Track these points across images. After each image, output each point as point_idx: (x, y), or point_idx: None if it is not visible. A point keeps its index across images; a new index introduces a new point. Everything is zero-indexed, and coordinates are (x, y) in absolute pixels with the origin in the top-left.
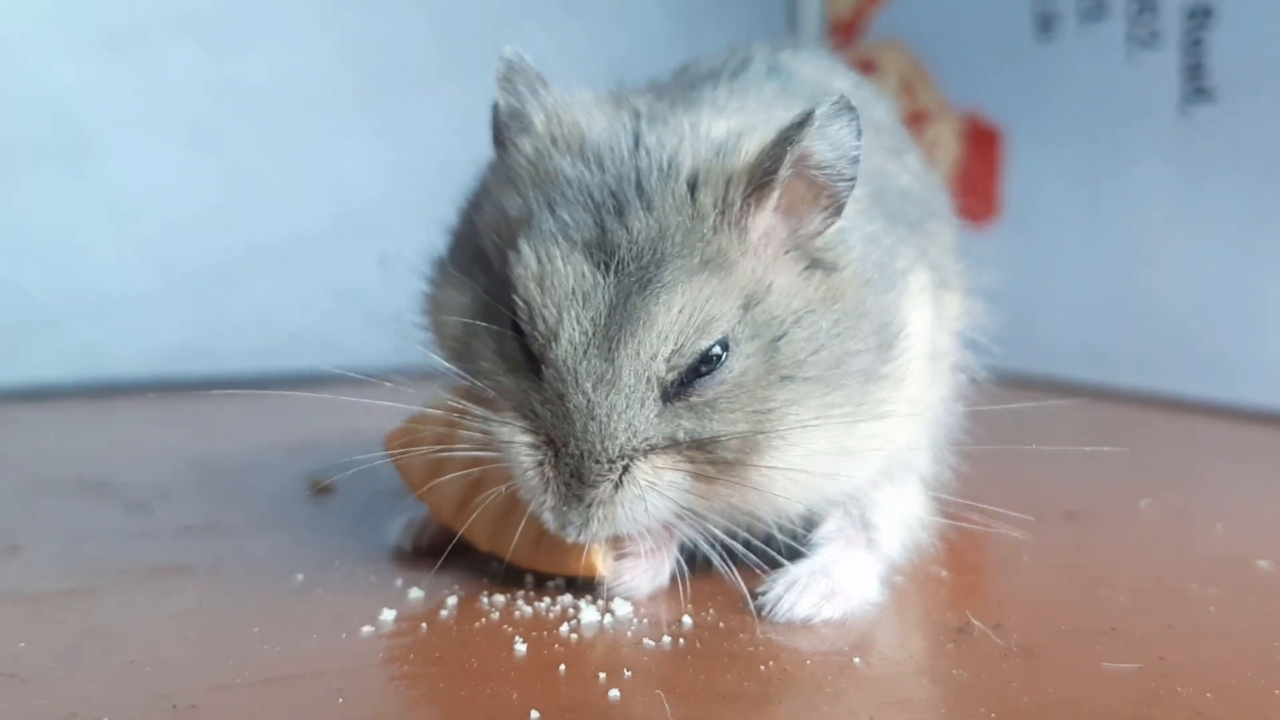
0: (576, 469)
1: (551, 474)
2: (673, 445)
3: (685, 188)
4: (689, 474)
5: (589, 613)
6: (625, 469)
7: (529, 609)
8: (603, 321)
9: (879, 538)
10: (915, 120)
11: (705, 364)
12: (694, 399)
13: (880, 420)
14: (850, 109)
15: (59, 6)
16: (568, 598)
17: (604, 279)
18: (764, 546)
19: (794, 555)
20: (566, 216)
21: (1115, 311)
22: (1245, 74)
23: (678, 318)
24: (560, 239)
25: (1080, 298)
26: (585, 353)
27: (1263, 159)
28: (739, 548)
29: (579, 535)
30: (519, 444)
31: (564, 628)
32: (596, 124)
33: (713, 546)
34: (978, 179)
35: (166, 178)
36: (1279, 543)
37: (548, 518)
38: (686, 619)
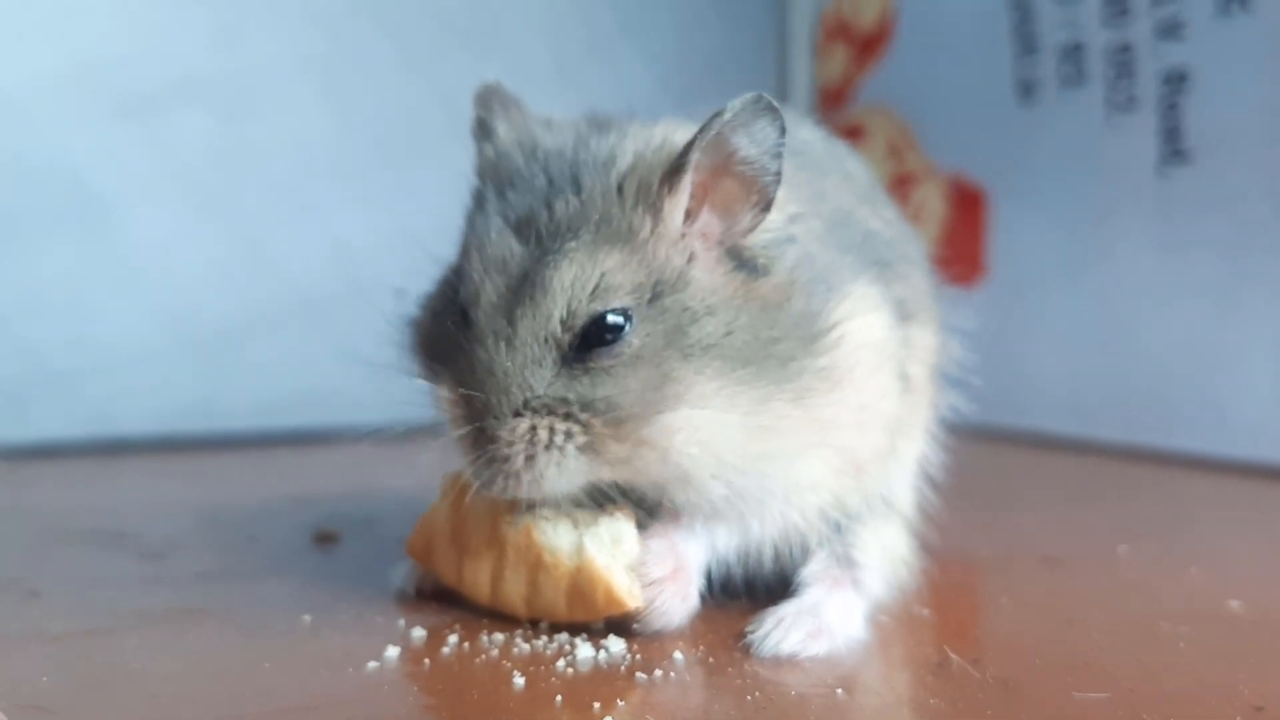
0: (479, 422)
1: (467, 429)
2: (564, 405)
3: (615, 179)
4: (585, 440)
5: (584, 649)
6: (522, 427)
7: (527, 646)
8: (513, 286)
9: (863, 576)
10: (902, 183)
11: (607, 333)
12: (590, 365)
13: (803, 406)
14: (772, 108)
15: (72, 76)
16: (564, 635)
17: (523, 250)
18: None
19: (782, 595)
20: (510, 199)
21: (1098, 367)
22: (1220, 136)
23: (570, 283)
24: (498, 217)
25: (1064, 354)
26: (493, 314)
27: (1238, 217)
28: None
29: (488, 490)
30: (445, 400)
31: (560, 663)
32: (553, 132)
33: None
34: (963, 239)
35: (175, 240)
36: (1251, 585)
37: (469, 473)
38: (678, 655)
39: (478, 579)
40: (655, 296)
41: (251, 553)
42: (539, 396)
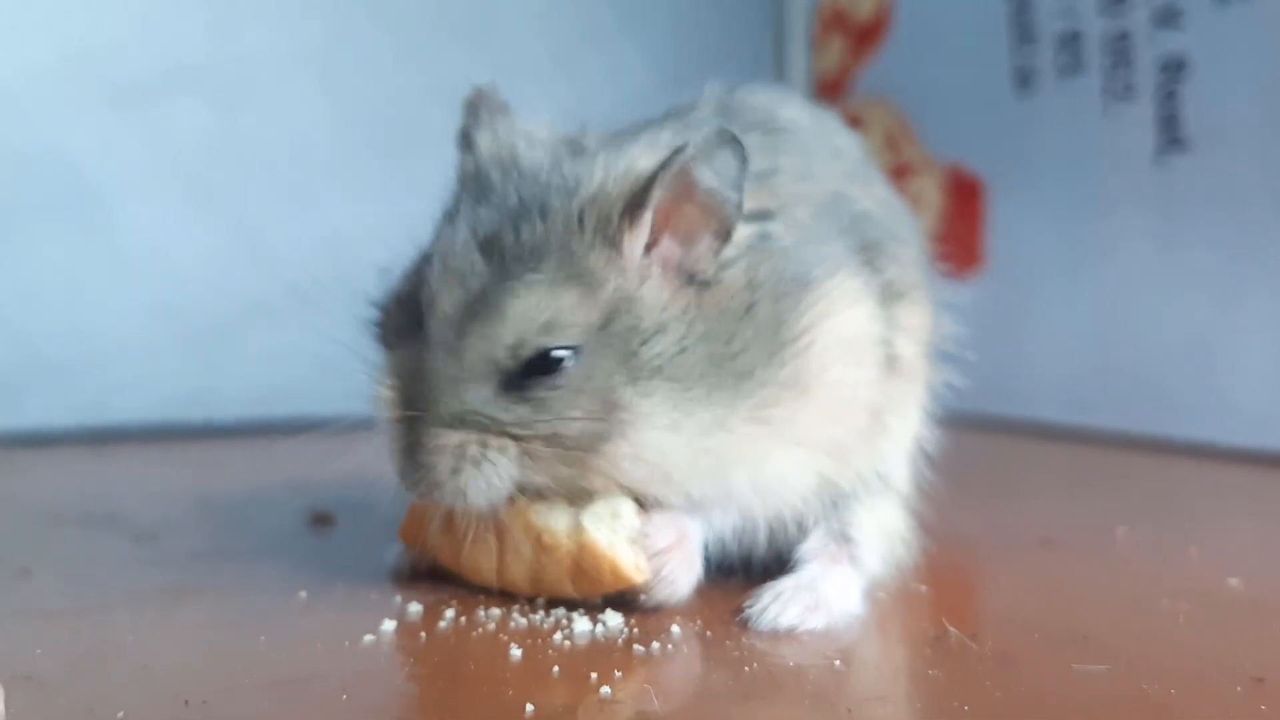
0: (411, 424)
1: (399, 429)
2: (498, 425)
3: (577, 208)
4: (523, 455)
5: (581, 623)
6: (453, 439)
7: (524, 620)
8: (469, 302)
9: (860, 553)
10: (899, 174)
11: (551, 365)
12: (530, 395)
13: (763, 420)
14: (734, 140)
15: (67, 65)
16: (561, 610)
17: (485, 268)
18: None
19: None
20: (481, 214)
21: (1096, 356)
22: (1218, 124)
23: (525, 314)
24: (467, 229)
25: (1062, 343)
26: (445, 326)
27: (1236, 206)
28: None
29: (411, 490)
30: (382, 399)
31: (557, 636)
32: (532, 150)
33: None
34: (961, 230)
35: (170, 231)
36: (1250, 564)
37: (395, 470)
38: (675, 628)
39: (479, 564)
40: (605, 324)
41: (245, 535)
42: (473, 412)
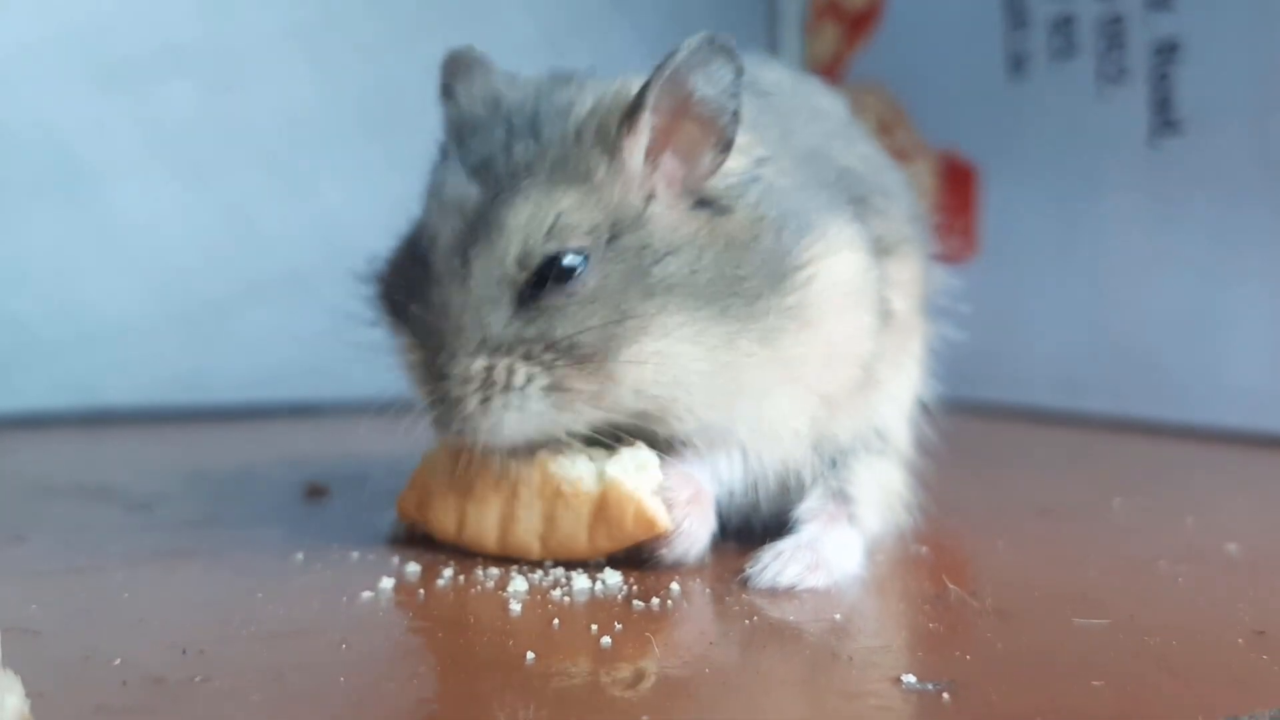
0: (435, 365)
1: (423, 373)
2: (522, 344)
3: (573, 124)
4: (549, 380)
5: (580, 581)
6: (477, 365)
7: (522, 579)
8: (469, 226)
9: (859, 511)
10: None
11: (560, 273)
12: (546, 304)
13: (771, 345)
14: (725, 49)
15: (60, 43)
16: (560, 570)
17: (479, 192)
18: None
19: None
20: (470, 146)
21: (1090, 340)
22: (1211, 106)
23: (526, 222)
24: (457, 162)
25: (1057, 328)
26: (449, 255)
27: (1229, 188)
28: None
29: (443, 431)
30: (402, 346)
31: (556, 592)
32: (516, 87)
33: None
34: (955, 216)
35: (163, 211)
36: (1247, 532)
37: (428, 418)
38: (675, 586)
39: (484, 524)
40: (614, 237)
41: (239, 505)
42: (496, 335)
